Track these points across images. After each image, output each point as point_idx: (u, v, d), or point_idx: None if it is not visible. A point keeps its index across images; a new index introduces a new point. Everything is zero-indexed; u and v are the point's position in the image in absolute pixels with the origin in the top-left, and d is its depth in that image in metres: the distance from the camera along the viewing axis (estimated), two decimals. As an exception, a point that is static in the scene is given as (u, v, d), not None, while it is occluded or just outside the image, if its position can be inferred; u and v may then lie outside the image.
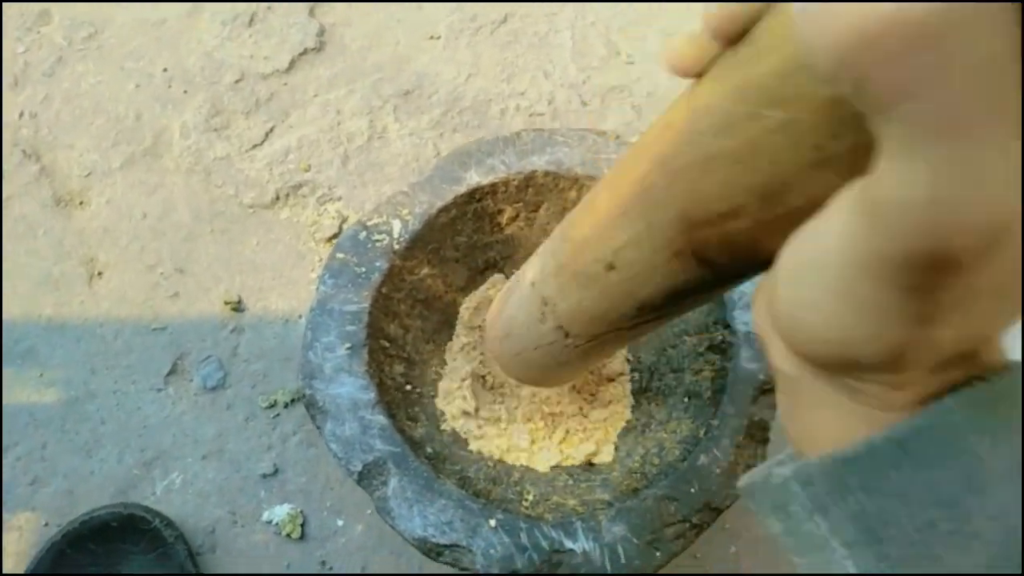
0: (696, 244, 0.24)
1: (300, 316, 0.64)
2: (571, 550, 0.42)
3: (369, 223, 0.51)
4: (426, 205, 0.52)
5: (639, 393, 0.55)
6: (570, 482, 0.49)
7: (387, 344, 0.50)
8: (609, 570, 0.42)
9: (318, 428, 0.45)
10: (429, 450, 0.48)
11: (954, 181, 0.13)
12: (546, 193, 0.54)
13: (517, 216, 0.56)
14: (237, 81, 0.74)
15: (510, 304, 0.42)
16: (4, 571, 0.55)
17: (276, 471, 0.59)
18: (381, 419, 0.45)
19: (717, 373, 0.49)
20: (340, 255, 0.50)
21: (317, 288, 0.49)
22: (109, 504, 0.55)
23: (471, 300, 0.57)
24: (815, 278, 0.17)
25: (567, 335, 0.36)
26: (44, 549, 0.52)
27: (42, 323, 0.63)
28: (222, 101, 0.73)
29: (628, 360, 0.56)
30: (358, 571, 0.57)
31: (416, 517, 0.43)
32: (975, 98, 0.12)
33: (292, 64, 0.75)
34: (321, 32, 0.77)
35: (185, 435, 0.60)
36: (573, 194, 0.54)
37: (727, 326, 0.49)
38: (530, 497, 0.47)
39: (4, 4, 0.76)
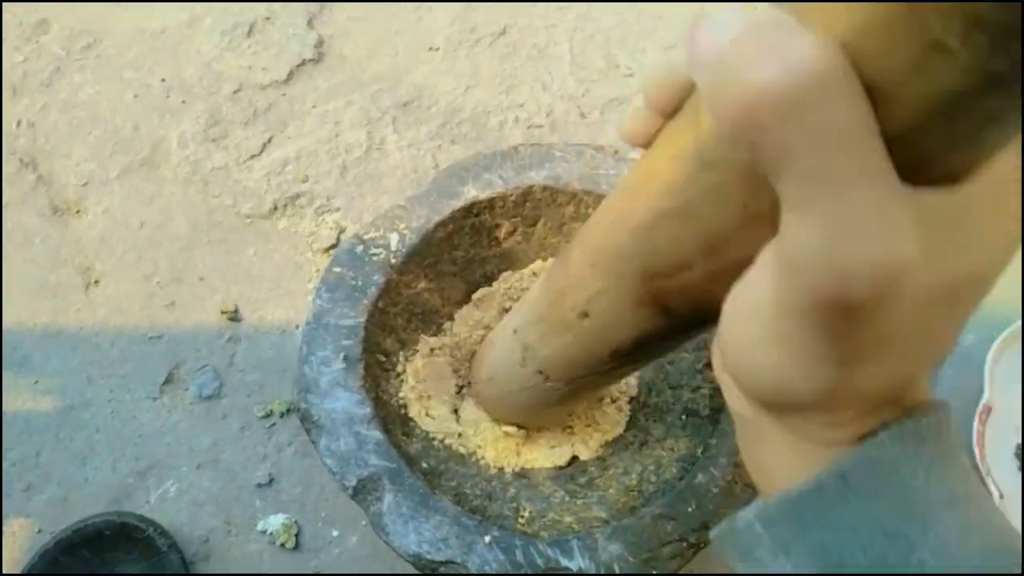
0: (657, 294, 0.26)
1: (297, 326, 0.65)
2: (567, 568, 0.42)
3: (366, 237, 0.51)
4: (424, 219, 0.52)
5: (637, 409, 0.55)
6: (567, 498, 0.49)
7: (383, 359, 0.51)
8: (603, 588, 0.42)
9: (313, 443, 0.46)
10: (424, 466, 0.48)
11: (839, 234, 0.15)
12: (544, 208, 0.55)
13: (515, 231, 0.56)
14: (236, 92, 0.74)
15: (494, 350, 0.44)
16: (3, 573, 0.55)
17: (271, 481, 0.59)
18: (376, 434, 0.46)
19: (715, 391, 0.50)
20: (337, 269, 0.50)
21: (313, 302, 0.49)
22: (103, 512, 0.55)
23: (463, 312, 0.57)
24: (751, 325, 0.18)
25: (547, 379, 0.39)
26: (37, 555, 0.52)
27: (38, 331, 0.63)
28: (220, 111, 0.73)
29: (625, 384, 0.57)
30: (352, 583, 0.57)
31: (411, 533, 0.43)
32: (842, 160, 0.14)
33: (291, 75, 0.76)
34: (320, 43, 0.77)
35: (180, 444, 0.60)
36: (570, 209, 0.55)
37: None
38: (526, 514, 0.47)
39: (3, 10, 0.77)
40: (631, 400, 0.56)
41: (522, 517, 0.47)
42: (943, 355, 0.19)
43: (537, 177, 0.54)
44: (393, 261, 0.50)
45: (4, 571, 0.55)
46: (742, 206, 0.20)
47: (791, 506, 0.20)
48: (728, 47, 0.14)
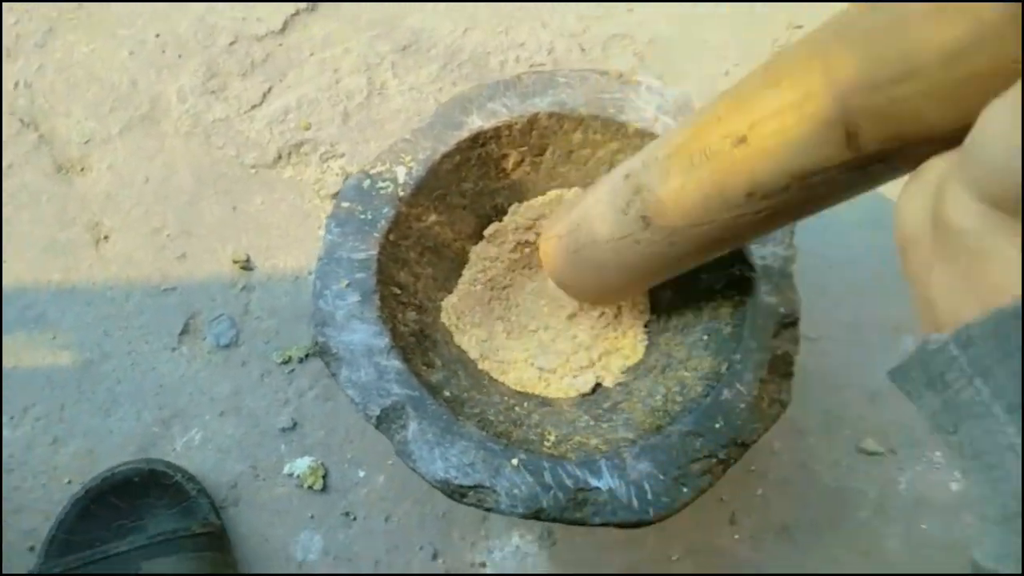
0: (852, 114, 0.24)
1: (309, 273, 0.64)
2: (596, 488, 0.42)
3: (372, 171, 0.51)
4: (429, 151, 0.51)
5: (657, 333, 0.55)
6: (591, 423, 0.49)
7: (398, 291, 0.50)
8: (636, 507, 0.42)
9: (333, 375, 0.46)
10: (447, 394, 0.48)
11: None
12: (551, 136, 0.54)
13: (522, 160, 0.55)
14: (231, 43, 0.73)
15: (584, 203, 0.41)
16: (5, 572, 0.55)
17: (295, 425, 0.60)
18: (397, 364, 0.46)
19: (736, 308, 0.49)
20: (345, 204, 0.50)
21: (323, 237, 0.49)
22: (131, 460, 0.56)
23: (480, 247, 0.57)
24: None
25: (647, 226, 0.36)
26: (68, 506, 0.53)
27: (51, 288, 0.63)
28: (217, 64, 0.72)
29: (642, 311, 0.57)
30: (382, 520, 0.58)
31: (438, 460, 0.43)
32: None
33: (286, 24, 0.74)
34: (314, -11, 0.76)
35: (202, 393, 0.60)
36: (578, 136, 0.54)
37: (744, 260, 0.49)
38: (551, 438, 0.47)
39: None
40: (647, 324, 0.56)
41: (547, 441, 0.47)
42: None
43: (542, 104, 0.53)
44: (401, 194, 0.50)
45: (36, 523, 0.56)
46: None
47: (999, 324, 0.17)
48: None
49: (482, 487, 0.42)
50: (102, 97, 0.70)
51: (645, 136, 0.52)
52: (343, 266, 0.48)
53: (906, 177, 0.24)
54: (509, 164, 0.55)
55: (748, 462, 0.60)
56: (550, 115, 0.53)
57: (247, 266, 0.64)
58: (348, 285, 0.47)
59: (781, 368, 0.46)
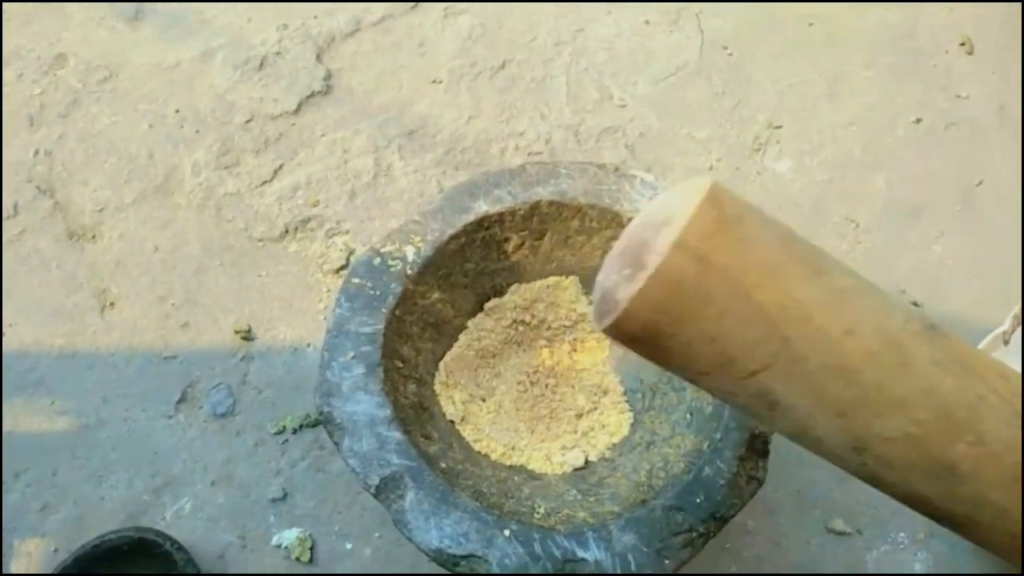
0: None
1: (309, 345, 0.66)
2: (584, 559, 0.44)
3: (383, 249, 0.53)
4: (438, 232, 0.54)
5: (642, 412, 0.57)
6: (579, 496, 0.51)
7: (400, 364, 0.52)
8: (620, 579, 0.43)
9: (336, 444, 0.47)
10: (443, 465, 0.49)
11: None
12: (550, 221, 0.57)
13: (522, 244, 0.58)
14: (247, 121, 0.77)
15: None
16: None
17: (285, 495, 0.60)
18: (397, 435, 0.47)
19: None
20: (356, 279, 0.52)
21: (333, 311, 0.51)
22: (120, 528, 0.55)
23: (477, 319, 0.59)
24: None
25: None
26: (56, 573, 0.52)
27: (54, 353, 0.64)
28: (232, 140, 0.76)
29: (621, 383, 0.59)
30: (367, 595, 0.58)
31: (433, 529, 0.44)
32: None
33: (300, 106, 0.79)
34: (328, 76, 0.81)
35: (195, 461, 0.61)
36: (576, 223, 0.57)
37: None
38: (541, 510, 0.49)
39: (16, 46, 0.79)
40: (625, 395, 0.58)
41: (538, 513, 0.48)
42: None
43: (544, 192, 0.57)
44: (409, 272, 0.53)
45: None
46: None
47: None
48: None
49: (475, 556, 0.44)
50: (119, 167, 0.73)
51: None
52: (351, 339, 0.50)
53: None
54: (510, 247, 0.58)
55: (723, 540, 0.61)
56: (551, 203, 0.56)
57: (248, 336, 0.66)
58: (354, 357, 0.49)
59: (758, 446, 0.49)
